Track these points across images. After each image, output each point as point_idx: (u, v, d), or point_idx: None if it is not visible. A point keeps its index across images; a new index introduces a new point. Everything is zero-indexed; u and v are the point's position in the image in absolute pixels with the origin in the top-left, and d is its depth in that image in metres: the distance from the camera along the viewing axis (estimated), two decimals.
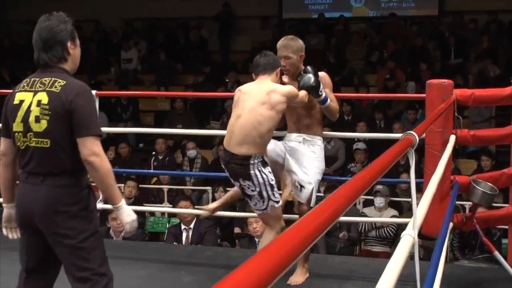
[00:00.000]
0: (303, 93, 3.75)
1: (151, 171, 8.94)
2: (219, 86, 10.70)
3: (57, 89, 2.54)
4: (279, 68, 3.75)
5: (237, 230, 6.91)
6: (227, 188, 7.41)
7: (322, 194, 6.81)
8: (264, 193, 3.58)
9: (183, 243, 6.06)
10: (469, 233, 5.71)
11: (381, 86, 10.61)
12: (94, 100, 2.68)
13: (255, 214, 4.90)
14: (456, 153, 7.76)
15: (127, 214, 2.65)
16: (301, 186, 3.80)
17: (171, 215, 7.47)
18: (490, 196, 3.89)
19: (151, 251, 4.80)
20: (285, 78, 3.91)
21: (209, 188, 8.04)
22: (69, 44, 2.63)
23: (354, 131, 8.80)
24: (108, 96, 10.17)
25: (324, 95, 3.83)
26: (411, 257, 1.87)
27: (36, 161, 2.56)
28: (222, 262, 4.39)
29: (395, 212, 6.71)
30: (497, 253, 3.86)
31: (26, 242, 2.71)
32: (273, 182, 3.61)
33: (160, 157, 9.17)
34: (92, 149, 2.50)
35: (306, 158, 3.88)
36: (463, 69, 10.78)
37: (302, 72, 3.85)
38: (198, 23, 13.23)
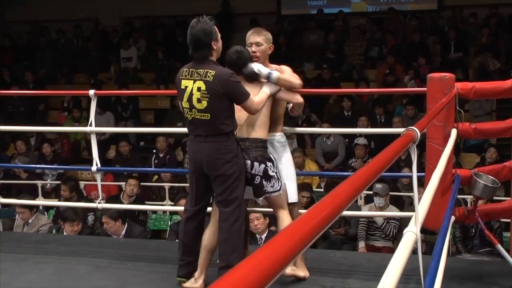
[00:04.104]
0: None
1: (153, 169, 8.95)
2: None
3: (210, 79, 3.50)
4: None
5: None
6: None
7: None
8: (278, 174, 3.75)
9: None
10: (471, 225, 5.72)
11: (381, 81, 10.60)
12: (237, 78, 3.54)
13: (257, 211, 4.92)
14: (458, 147, 7.77)
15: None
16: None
17: (173, 212, 7.47)
18: (492, 189, 3.88)
19: (153, 248, 4.79)
20: None
21: None
22: (213, 42, 3.54)
23: (355, 126, 8.79)
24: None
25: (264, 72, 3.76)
26: (413, 251, 1.87)
27: (200, 128, 3.57)
28: None
29: (396, 210, 6.65)
30: (499, 246, 3.85)
31: (195, 184, 3.71)
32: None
33: (161, 155, 9.17)
34: (251, 107, 3.56)
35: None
36: (463, 63, 10.77)
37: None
38: None
